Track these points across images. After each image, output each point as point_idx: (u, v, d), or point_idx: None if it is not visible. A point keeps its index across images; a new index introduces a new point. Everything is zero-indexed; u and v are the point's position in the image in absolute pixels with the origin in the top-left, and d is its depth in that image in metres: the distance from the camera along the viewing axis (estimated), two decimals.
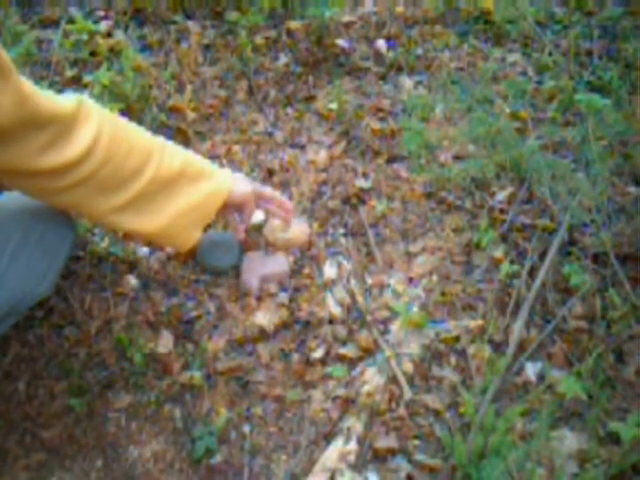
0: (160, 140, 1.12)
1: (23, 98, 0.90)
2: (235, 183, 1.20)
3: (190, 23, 1.91)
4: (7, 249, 1.05)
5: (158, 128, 1.59)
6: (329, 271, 1.36)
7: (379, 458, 1.11)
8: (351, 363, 1.23)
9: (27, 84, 0.92)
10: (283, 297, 1.32)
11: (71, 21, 1.83)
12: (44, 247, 1.10)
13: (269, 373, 1.23)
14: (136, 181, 1.06)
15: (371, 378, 1.19)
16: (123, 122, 1.08)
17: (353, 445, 1.12)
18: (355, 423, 1.14)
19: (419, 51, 1.86)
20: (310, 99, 1.73)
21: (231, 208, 1.22)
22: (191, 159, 1.15)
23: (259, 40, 1.84)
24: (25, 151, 0.95)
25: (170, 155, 1.11)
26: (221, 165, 1.56)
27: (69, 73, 1.72)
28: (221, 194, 1.17)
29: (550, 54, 1.81)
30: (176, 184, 1.11)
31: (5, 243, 1.05)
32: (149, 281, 1.34)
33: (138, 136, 1.09)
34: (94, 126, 1.00)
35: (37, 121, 0.94)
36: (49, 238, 1.11)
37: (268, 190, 1.28)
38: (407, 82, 1.77)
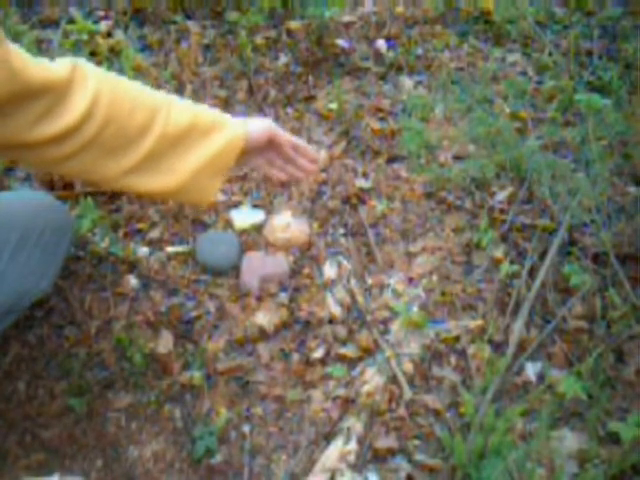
0: (166, 95, 1.08)
1: (13, 71, 0.88)
2: (250, 126, 1.11)
3: (190, 23, 1.91)
4: (6, 248, 1.05)
5: None
6: (329, 271, 1.36)
7: (379, 458, 1.11)
8: (351, 363, 1.23)
9: (18, 54, 0.89)
10: (283, 297, 1.31)
11: (71, 21, 1.83)
12: (43, 245, 1.10)
13: (269, 373, 1.23)
14: (144, 140, 1.03)
15: (371, 378, 1.19)
16: (124, 81, 1.05)
17: (353, 445, 1.12)
18: (355, 423, 1.14)
19: (419, 51, 1.86)
20: (310, 99, 1.73)
21: (255, 153, 1.14)
22: (201, 111, 1.10)
23: (259, 40, 1.84)
24: (21, 123, 0.93)
25: (178, 110, 1.06)
26: None
27: None
28: (237, 142, 1.10)
29: (550, 54, 1.81)
30: (188, 139, 1.07)
31: (4, 242, 1.05)
32: (149, 281, 1.34)
33: (141, 93, 1.05)
34: (91, 88, 0.97)
35: (30, 92, 0.91)
36: (48, 236, 1.11)
37: (287, 135, 1.16)
38: (407, 82, 1.77)
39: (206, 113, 1.10)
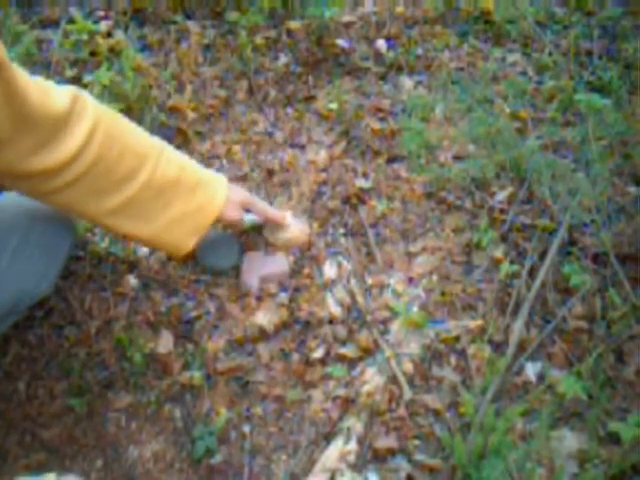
0: (158, 143, 1.09)
1: (17, 96, 0.87)
2: (231, 194, 1.19)
3: (190, 23, 1.91)
4: (7, 249, 1.05)
5: (158, 128, 1.59)
6: (329, 271, 1.36)
7: (379, 458, 1.11)
8: (351, 363, 1.23)
9: (20, 85, 0.88)
10: (283, 297, 1.31)
11: (71, 21, 1.83)
12: (44, 247, 1.10)
13: (269, 373, 1.23)
14: (129, 184, 1.03)
15: (371, 378, 1.19)
16: (121, 122, 1.05)
17: (353, 445, 1.12)
18: (355, 423, 1.14)
19: (419, 51, 1.85)
20: (310, 99, 1.73)
21: (230, 217, 1.21)
22: (189, 166, 1.13)
23: (259, 40, 1.84)
24: (18, 152, 0.93)
25: (167, 160, 1.08)
26: (221, 165, 1.56)
27: (69, 73, 1.72)
28: (217, 204, 1.16)
29: (550, 54, 1.81)
30: (172, 191, 1.09)
31: (5, 243, 1.05)
32: (149, 281, 1.34)
33: (134, 137, 1.06)
34: (87, 124, 0.97)
35: (29, 124, 0.91)
36: (49, 238, 1.11)
37: (261, 204, 1.28)
38: (407, 82, 1.77)
39: (193, 169, 1.14)
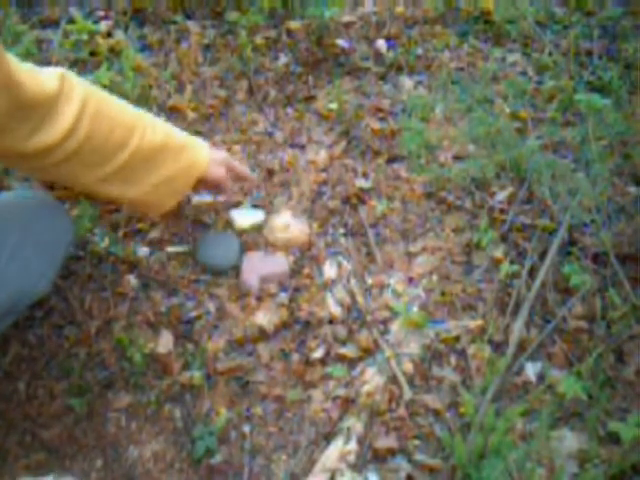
0: (142, 114, 1.15)
1: (12, 84, 0.90)
2: (213, 153, 1.24)
3: (190, 23, 1.91)
4: (5, 248, 1.05)
5: None
6: (329, 271, 1.36)
7: (379, 458, 1.11)
8: (351, 363, 1.23)
9: (14, 72, 0.91)
10: (283, 297, 1.31)
11: (71, 21, 1.83)
12: (42, 246, 1.10)
13: (269, 373, 1.23)
14: (119, 154, 1.09)
15: (371, 378, 1.19)
16: (106, 97, 1.10)
17: (353, 445, 1.12)
18: (355, 423, 1.14)
19: (419, 51, 1.86)
20: (310, 99, 1.73)
21: (214, 174, 1.25)
22: (173, 132, 1.19)
23: (259, 40, 1.84)
24: (17, 136, 0.96)
25: (153, 128, 1.13)
26: None
27: None
28: (200, 164, 1.21)
29: (550, 54, 1.81)
30: (159, 156, 1.14)
31: (3, 242, 1.05)
32: (149, 281, 1.34)
33: (122, 110, 1.11)
34: (77, 103, 1.01)
35: (25, 110, 0.95)
36: (47, 237, 1.11)
37: (240, 168, 1.33)
38: (407, 82, 1.77)
39: (178, 135, 1.20)
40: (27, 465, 1.12)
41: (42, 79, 0.99)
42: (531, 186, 1.47)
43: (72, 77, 1.04)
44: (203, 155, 1.21)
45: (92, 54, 1.78)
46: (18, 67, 0.93)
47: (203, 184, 1.25)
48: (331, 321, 1.28)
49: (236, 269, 1.35)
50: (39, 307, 1.27)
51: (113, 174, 1.10)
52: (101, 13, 1.92)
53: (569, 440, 1.11)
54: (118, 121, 1.08)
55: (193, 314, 1.30)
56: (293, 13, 1.91)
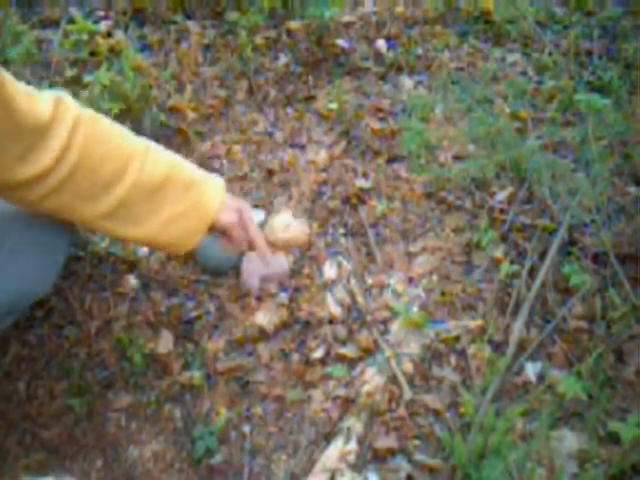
0: (145, 143, 1.06)
1: (8, 109, 0.89)
2: (224, 202, 1.10)
3: (190, 23, 1.91)
4: (5, 248, 1.05)
5: (158, 128, 1.60)
6: (329, 271, 1.36)
7: (379, 458, 1.11)
8: (351, 363, 1.23)
9: (11, 94, 0.89)
10: (283, 297, 1.32)
11: (71, 21, 1.83)
12: (42, 246, 1.09)
13: (269, 373, 1.23)
14: (117, 186, 1.01)
15: (371, 378, 1.19)
16: (103, 123, 1.03)
17: (353, 445, 1.12)
18: (355, 423, 1.14)
19: (419, 51, 1.86)
20: (310, 99, 1.73)
21: (224, 219, 1.11)
22: (179, 164, 1.08)
23: (259, 40, 1.84)
24: (3, 163, 0.93)
25: (154, 159, 1.04)
26: (221, 165, 1.56)
27: (69, 73, 1.72)
28: (212, 203, 1.09)
29: (550, 54, 1.81)
30: (163, 190, 1.05)
31: (3, 242, 1.05)
32: (149, 281, 1.34)
33: (118, 138, 1.03)
34: (67, 127, 0.97)
35: (18, 133, 0.92)
36: (47, 237, 1.11)
37: (254, 226, 1.15)
38: (407, 82, 1.77)
39: (185, 168, 1.08)
40: (27, 465, 1.12)
41: (38, 102, 0.95)
42: (531, 186, 1.47)
43: (68, 100, 1.00)
44: (214, 194, 1.09)
45: (92, 54, 1.78)
46: (16, 87, 0.91)
47: (211, 227, 1.11)
48: (331, 321, 1.28)
49: (236, 269, 1.35)
50: (39, 307, 1.27)
51: (114, 210, 1.03)
52: (101, 13, 1.92)
53: (569, 440, 1.11)
54: (113, 149, 1.01)
55: (193, 314, 1.30)
56: (293, 13, 1.91)
